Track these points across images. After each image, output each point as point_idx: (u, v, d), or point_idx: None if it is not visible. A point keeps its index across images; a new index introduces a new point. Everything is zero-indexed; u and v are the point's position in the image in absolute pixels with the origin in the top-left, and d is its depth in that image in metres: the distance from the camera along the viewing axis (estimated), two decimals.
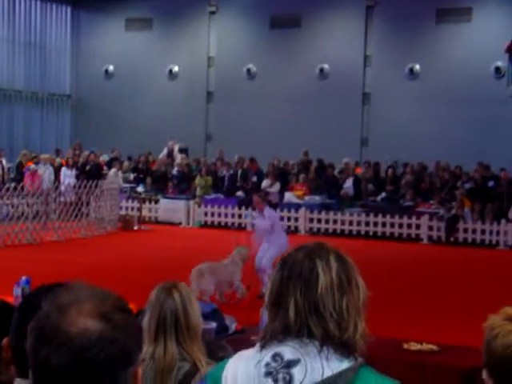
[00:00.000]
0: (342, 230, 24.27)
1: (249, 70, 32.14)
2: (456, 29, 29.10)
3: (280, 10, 31.17)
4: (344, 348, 2.56)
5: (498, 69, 28.08)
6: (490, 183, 24.77)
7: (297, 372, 2.53)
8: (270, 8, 31.34)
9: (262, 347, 2.62)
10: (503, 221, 22.73)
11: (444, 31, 29.20)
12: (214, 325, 7.33)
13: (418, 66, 29.64)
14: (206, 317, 7.73)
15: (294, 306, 2.59)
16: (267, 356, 2.58)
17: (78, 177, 25.98)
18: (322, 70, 30.97)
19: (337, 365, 2.52)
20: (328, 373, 2.51)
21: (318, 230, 24.50)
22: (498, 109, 27.23)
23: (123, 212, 25.52)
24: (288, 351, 2.56)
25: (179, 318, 4.24)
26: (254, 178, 26.90)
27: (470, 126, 27.88)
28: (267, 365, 2.57)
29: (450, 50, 29.06)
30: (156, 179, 28.22)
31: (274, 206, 14.95)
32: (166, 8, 32.83)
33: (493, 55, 27.60)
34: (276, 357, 2.57)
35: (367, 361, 2.60)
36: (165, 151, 29.74)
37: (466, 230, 23.10)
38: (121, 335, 1.85)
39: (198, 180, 27.23)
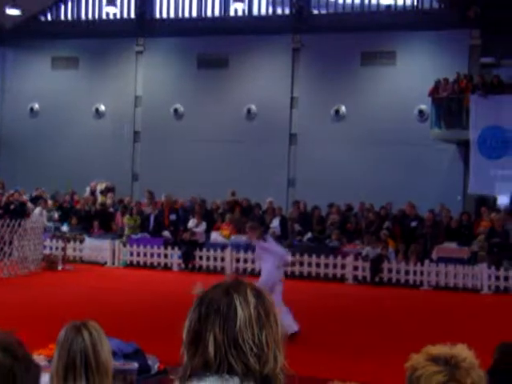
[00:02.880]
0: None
1: (176, 110, 32.15)
2: (381, 72, 29.62)
3: (207, 50, 31.36)
4: (264, 382, 2.54)
5: (421, 112, 28.61)
6: (413, 223, 25.07)
7: None
8: (197, 48, 31.51)
9: None
10: (427, 261, 23.00)
11: (369, 74, 29.70)
12: (136, 365, 7.22)
13: (343, 108, 30.04)
14: (129, 357, 7.61)
15: (214, 342, 2.58)
16: None
17: (1, 216, 25.51)
18: (249, 110, 31.16)
19: None
20: None
21: (245, 269, 24.44)
22: (422, 151, 27.69)
23: (47, 251, 25.10)
24: None
25: (89, 358, 4.12)
26: (173, 216, 26.73)
27: (395, 167, 28.30)
28: None
29: (375, 93, 29.53)
30: (81, 218, 27.90)
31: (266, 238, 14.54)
32: (92, 47, 32.74)
33: (416, 98, 28.13)
34: None
35: None
36: (88, 191, 29.51)
37: (390, 270, 23.30)
38: None
39: (127, 219, 27.01)
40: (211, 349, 2.56)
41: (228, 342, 2.56)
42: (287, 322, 13.33)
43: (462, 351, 2.65)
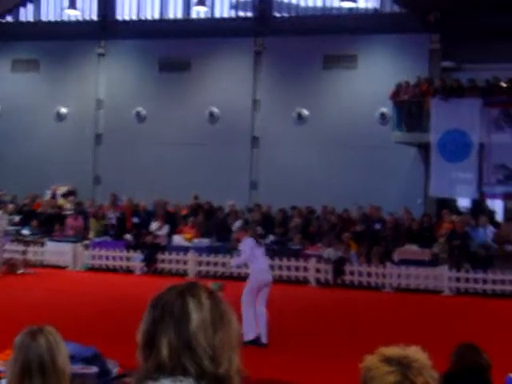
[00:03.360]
0: (231, 273, 24.24)
1: (138, 113, 32.04)
2: (343, 75, 29.74)
3: (169, 53, 31.29)
4: None
5: (383, 115, 28.77)
6: (377, 226, 25.23)
7: None
8: (159, 51, 31.43)
9: None
10: (388, 263, 23.14)
11: (331, 77, 29.81)
12: (95, 369, 7.18)
13: (305, 111, 30.12)
14: (87, 361, 7.57)
15: (168, 345, 2.58)
16: None
17: None
18: (211, 113, 31.14)
19: None
20: None
21: (207, 272, 24.42)
22: (383, 154, 27.84)
23: (8, 255, 24.88)
24: None
25: (45, 363, 4.08)
26: (135, 219, 26.65)
27: (357, 170, 28.43)
28: None
29: (336, 96, 29.65)
30: (42, 222, 27.69)
31: (257, 237, 14.64)
32: (53, 49, 32.53)
33: (378, 102, 28.27)
34: None
35: None
36: (49, 194, 29.32)
37: (352, 273, 23.41)
38: None
39: (92, 223, 26.89)
40: (165, 351, 2.57)
41: (182, 344, 2.57)
42: (247, 328, 13.38)
43: (415, 352, 2.68)
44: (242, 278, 23.54)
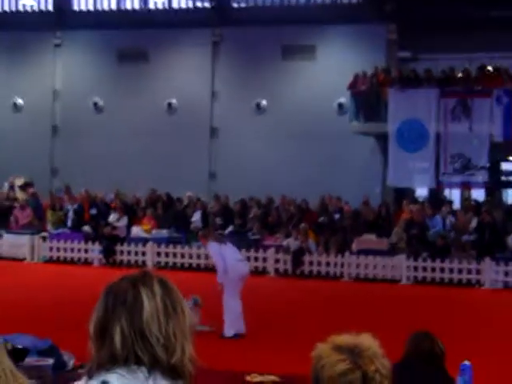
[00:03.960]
0: (190, 264, 24.24)
1: (96, 104, 31.82)
2: (301, 65, 29.79)
3: (127, 44, 31.09)
4: (173, 373, 2.59)
5: (340, 105, 28.88)
6: (336, 215, 25.35)
7: None
8: (117, 42, 31.22)
9: (90, 378, 2.61)
10: (347, 253, 23.26)
11: (290, 68, 29.84)
12: (50, 361, 7.14)
13: (264, 102, 30.14)
14: (43, 353, 7.52)
15: (120, 334, 2.59)
16: None
17: None
18: (170, 104, 31.03)
19: None
20: None
21: (166, 263, 24.37)
22: (342, 144, 27.94)
23: None
24: (115, 378, 2.57)
25: None
26: (93, 211, 26.51)
27: (316, 160, 28.50)
28: None
29: (295, 87, 29.70)
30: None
31: (222, 240, 14.63)
32: (9, 39, 32.15)
33: (336, 92, 28.37)
34: None
35: None
36: (6, 186, 29.03)
37: (311, 263, 23.50)
38: None
39: (50, 215, 26.68)
40: (118, 341, 2.58)
41: (135, 333, 2.58)
42: (230, 324, 13.47)
43: (366, 340, 2.69)
44: (202, 269, 23.58)
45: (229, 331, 13.53)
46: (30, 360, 7.13)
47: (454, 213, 25.00)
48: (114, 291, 2.66)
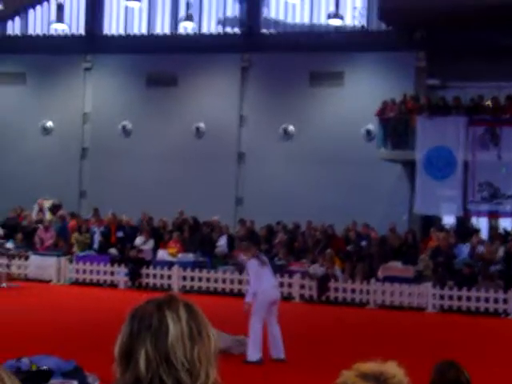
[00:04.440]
0: (215, 288, 24.22)
1: (124, 127, 32.02)
2: (329, 92, 29.84)
3: (156, 68, 31.31)
4: None
5: (368, 132, 28.87)
6: (363, 243, 25.26)
7: None
8: (147, 66, 31.44)
9: None
10: (373, 280, 23.15)
11: (317, 94, 29.90)
12: (75, 383, 7.16)
13: (291, 127, 30.19)
14: (68, 375, 7.54)
15: (145, 358, 2.59)
16: None
17: None
18: (198, 128, 31.17)
19: None
20: None
21: (191, 287, 24.37)
22: (369, 171, 27.90)
23: None
24: None
25: None
26: (120, 234, 26.59)
27: (343, 187, 28.48)
28: None
29: (323, 113, 29.74)
30: (27, 235, 27.58)
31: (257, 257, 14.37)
32: (39, 62, 32.48)
33: (364, 119, 28.38)
34: None
35: None
36: (35, 208, 29.23)
37: (337, 289, 23.40)
38: None
39: (76, 237, 26.80)
40: (142, 364, 2.58)
41: (159, 357, 2.58)
42: (253, 349, 13.40)
43: (392, 368, 2.67)
44: (227, 293, 23.57)
45: (253, 355, 13.43)
46: (54, 382, 7.15)
47: (482, 242, 24.79)
48: (139, 315, 2.67)
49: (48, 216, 28.60)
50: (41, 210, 29.28)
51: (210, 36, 31.73)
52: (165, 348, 2.58)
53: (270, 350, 13.70)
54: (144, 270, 24.84)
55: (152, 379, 2.57)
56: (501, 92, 26.26)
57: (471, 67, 26.84)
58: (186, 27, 31.98)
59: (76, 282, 25.26)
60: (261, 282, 13.79)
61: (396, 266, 23.82)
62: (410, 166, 26.98)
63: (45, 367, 7.26)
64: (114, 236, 26.71)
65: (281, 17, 31.52)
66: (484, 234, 26.49)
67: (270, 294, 13.90)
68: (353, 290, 23.25)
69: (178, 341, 2.59)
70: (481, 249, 24.07)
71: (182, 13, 32.01)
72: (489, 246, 24.10)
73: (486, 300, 22.16)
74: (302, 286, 23.57)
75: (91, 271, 25.30)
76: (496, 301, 22.08)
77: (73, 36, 33.31)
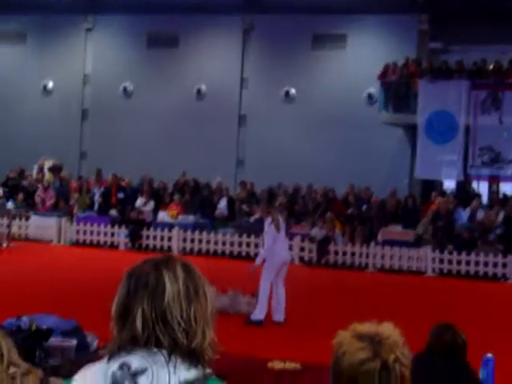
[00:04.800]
0: (215, 250, 24.30)
1: (125, 88, 31.93)
2: (331, 55, 29.71)
3: (157, 28, 31.16)
4: (192, 357, 2.61)
5: (370, 95, 28.78)
6: (364, 207, 25.27)
7: (143, 380, 2.56)
8: (148, 26, 31.29)
9: (110, 359, 2.64)
10: (372, 243, 23.21)
11: (320, 57, 29.77)
12: (74, 342, 7.21)
13: (293, 90, 30.09)
14: (67, 334, 7.59)
15: (142, 317, 2.61)
16: (114, 366, 2.60)
17: None
18: (199, 90, 31.08)
19: (184, 373, 2.58)
20: (174, 381, 2.54)
21: (191, 249, 24.45)
22: (370, 134, 27.86)
23: None
24: (136, 360, 2.60)
25: None
26: (120, 195, 26.58)
27: (343, 150, 28.46)
28: (113, 374, 2.60)
29: (325, 76, 29.63)
30: (27, 196, 27.59)
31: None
32: (40, 23, 32.32)
33: (366, 82, 28.28)
34: (123, 366, 2.62)
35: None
36: (36, 168, 29.21)
37: (336, 253, 23.47)
38: None
39: (77, 198, 26.82)
40: (139, 323, 2.60)
41: (156, 316, 2.60)
42: (259, 308, 13.55)
43: (387, 329, 2.68)
44: (227, 255, 23.65)
45: (257, 315, 13.55)
46: (54, 340, 7.20)
47: (482, 207, 24.80)
48: (136, 274, 2.69)
49: (48, 176, 28.57)
50: (41, 169, 29.25)
51: None
52: (161, 307, 2.60)
53: (272, 313, 13.80)
54: (144, 232, 24.89)
55: (148, 338, 2.60)
56: (504, 56, 26.13)
57: (474, 30, 26.69)
58: None
59: (76, 243, 25.34)
60: (274, 245, 13.89)
61: (396, 230, 23.87)
62: (411, 129, 26.94)
63: (44, 326, 7.31)
64: (115, 197, 26.71)
65: None
66: (484, 199, 26.51)
67: (282, 256, 14.00)
68: (352, 254, 23.32)
69: (175, 300, 2.62)
70: (480, 215, 24.08)
71: None
72: (488, 213, 24.03)
73: (485, 264, 22.24)
74: (302, 249, 23.64)
75: (92, 232, 25.36)
76: (495, 265, 22.16)
77: None
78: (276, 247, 13.88)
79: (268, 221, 14.14)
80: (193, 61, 31.07)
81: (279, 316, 13.82)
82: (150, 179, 27.51)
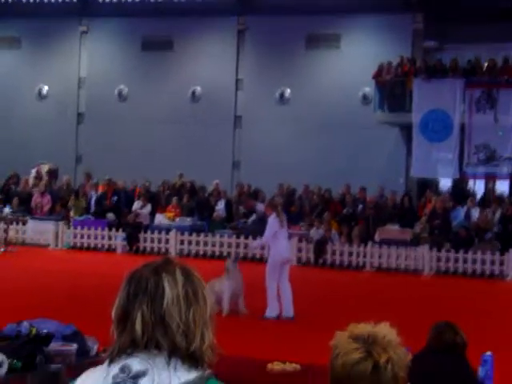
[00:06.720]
0: (213, 252, 24.30)
1: (120, 92, 31.93)
2: (325, 55, 29.73)
3: (152, 32, 31.15)
4: (192, 359, 2.62)
5: (365, 95, 28.79)
6: (360, 207, 25.29)
7: (144, 382, 2.57)
8: (142, 30, 31.28)
9: (111, 362, 2.66)
10: (370, 243, 23.23)
11: (314, 57, 29.78)
12: (75, 346, 7.21)
13: (288, 91, 30.11)
14: (67, 338, 7.59)
15: (141, 320, 2.63)
16: (115, 368, 2.62)
17: None
18: (194, 92, 31.08)
19: (185, 375, 2.58)
20: (175, 383, 2.54)
21: (189, 251, 24.45)
22: (365, 134, 27.87)
23: None
24: (136, 363, 2.61)
25: None
26: (114, 198, 26.58)
27: (339, 150, 28.46)
28: (115, 376, 2.61)
29: (319, 76, 29.63)
30: (23, 200, 27.56)
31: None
32: (35, 27, 32.29)
33: (360, 82, 28.28)
34: (124, 368, 2.63)
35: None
36: (33, 172, 29.20)
37: (334, 253, 23.48)
38: None
39: (73, 202, 26.80)
40: (139, 326, 2.62)
41: (155, 320, 2.62)
42: (271, 305, 13.97)
43: (383, 329, 2.69)
44: (224, 257, 23.63)
45: (271, 312, 14.01)
46: (54, 345, 7.20)
47: (479, 205, 24.80)
48: (136, 278, 2.70)
49: (46, 181, 28.53)
50: (38, 175, 29.22)
51: None
52: (160, 311, 2.61)
53: (281, 310, 14.20)
54: (141, 235, 24.90)
55: (148, 341, 2.61)
56: (498, 54, 26.17)
57: (468, 29, 26.72)
58: None
59: (74, 247, 25.33)
60: (276, 242, 14.23)
61: (393, 229, 23.89)
62: (406, 129, 26.97)
63: (44, 331, 7.31)
64: (109, 201, 26.70)
65: None
66: (481, 197, 26.48)
67: (282, 254, 14.35)
68: (350, 254, 23.34)
69: (174, 303, 2.63)
70: (475, 214, 24.06)
71: None
72: (483, 213, 23.88)
73: (483, 262, 22.26)
74: (299, 250, 23.65)
75: (89, 236, 25.36)
76: (492, 263, 22.18)
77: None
78: (277, 244, 14.24)
79: (272, 216, 14.30)
80: (187, 63, 31.08)
81: (288, 312, 14.17)
82: (147, 182, 27.47)
